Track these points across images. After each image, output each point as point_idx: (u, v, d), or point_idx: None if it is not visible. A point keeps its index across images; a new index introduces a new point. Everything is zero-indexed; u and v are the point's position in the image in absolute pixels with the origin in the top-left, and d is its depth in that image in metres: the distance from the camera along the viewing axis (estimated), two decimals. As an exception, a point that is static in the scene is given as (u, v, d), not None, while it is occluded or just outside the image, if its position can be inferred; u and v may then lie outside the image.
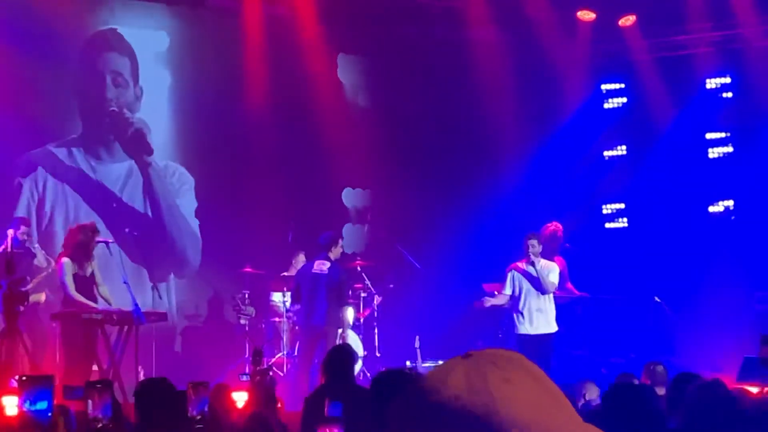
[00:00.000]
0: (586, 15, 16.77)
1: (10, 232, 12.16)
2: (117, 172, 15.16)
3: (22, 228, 12.63)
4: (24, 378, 5.20)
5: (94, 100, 15.05)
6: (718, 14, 16.08)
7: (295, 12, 15.89)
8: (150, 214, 15.32)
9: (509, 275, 12.89)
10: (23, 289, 11.46)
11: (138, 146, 15.28)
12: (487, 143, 16.73)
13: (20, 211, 14.08)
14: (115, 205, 15.00)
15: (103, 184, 14.99)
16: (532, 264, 12.73)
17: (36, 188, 14.51)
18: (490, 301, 12.99)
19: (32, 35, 14.23)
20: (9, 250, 11.78)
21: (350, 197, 16.93)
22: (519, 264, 12.89)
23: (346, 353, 8.07)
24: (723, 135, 16.87)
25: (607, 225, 17.43)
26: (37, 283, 12.54)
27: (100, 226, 14.22)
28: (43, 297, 12.71)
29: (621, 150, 17.49)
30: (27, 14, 14.23)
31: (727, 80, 16.87)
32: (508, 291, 12.85)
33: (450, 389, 1.63)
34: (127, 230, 13.34)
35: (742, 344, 13.23)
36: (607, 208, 17.47)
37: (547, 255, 13.06)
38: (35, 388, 5.44)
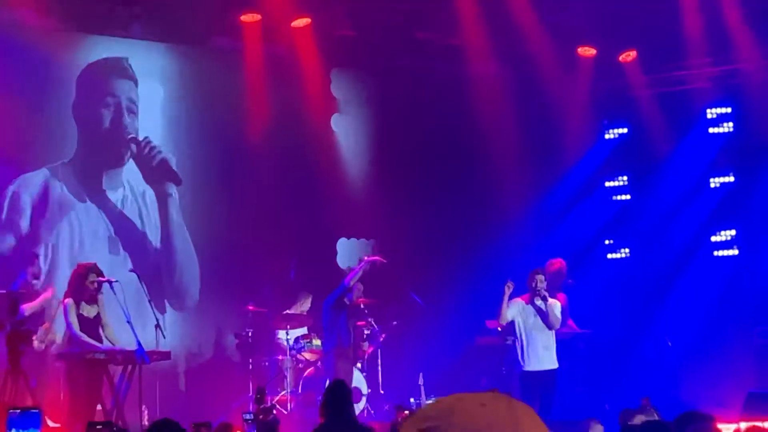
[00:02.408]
0: (587, 51, 16.85)
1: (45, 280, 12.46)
2: (114, 198, 15.08)
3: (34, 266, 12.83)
4: (12, 410, 5.21)
5: (102, 126, 14.97)
6: (718, 49, 16.15)
7: (295, 52, 15.93)
8: (159, 242, 15.29)
9: (512, 305, 12.30)
10: (27, 328, 11.47)
11: (164, 175, 15.27)
12: (488, 179, 16.73)
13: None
14: (115, 233, 14.93)
15: (102, 210, 14.90)
16: (544, 299, 12.42)
17: (34, 212, 14.38)
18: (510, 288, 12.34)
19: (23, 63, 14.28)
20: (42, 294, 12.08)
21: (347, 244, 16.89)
22: (524, 298, 12.62)
23: (340, 390, 7.92)
24: (722, 169, 16.92)
25: (609, 257, 17.39)
26: (51, 321, 12.64)
27: (103, 253, 14.26)
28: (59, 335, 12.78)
29: (622, 181, 17.51)
30: (21, 45, 14.25)
31: (728, 112, 16.90)
32: (508, 318, 12.31)
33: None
34: (131, 269, 13.25)
35: (744, 379, 13.22)
36: (608, 243, 17.45)
37: (550, 291, 12.87)
38: (24, 419, 5.45)
